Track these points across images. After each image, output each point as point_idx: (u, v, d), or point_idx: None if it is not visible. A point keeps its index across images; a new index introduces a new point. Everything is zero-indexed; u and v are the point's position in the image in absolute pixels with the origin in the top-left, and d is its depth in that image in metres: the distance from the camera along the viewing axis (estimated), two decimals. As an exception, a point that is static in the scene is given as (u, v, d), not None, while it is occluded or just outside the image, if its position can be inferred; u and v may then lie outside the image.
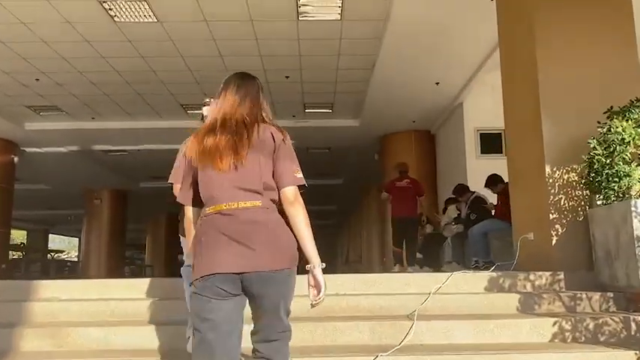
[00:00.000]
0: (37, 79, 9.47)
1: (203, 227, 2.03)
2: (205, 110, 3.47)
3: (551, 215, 4.62)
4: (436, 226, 11.12)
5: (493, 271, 4.74)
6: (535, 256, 4.89)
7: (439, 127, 12.01)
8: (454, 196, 8.70)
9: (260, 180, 2.02)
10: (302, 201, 2.05)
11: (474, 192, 8.09)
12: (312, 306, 2.03)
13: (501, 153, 10.24)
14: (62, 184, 18.11)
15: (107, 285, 4.44)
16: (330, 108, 11.40)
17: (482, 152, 10.17)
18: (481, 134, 10.27)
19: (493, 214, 7.66)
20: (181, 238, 3.30)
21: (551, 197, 4.63)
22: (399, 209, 8.79)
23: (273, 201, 2.05)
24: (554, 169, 4.67)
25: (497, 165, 10.09)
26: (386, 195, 8.95)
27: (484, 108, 10.29)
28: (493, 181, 7.39)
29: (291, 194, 2.03)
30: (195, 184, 2.09)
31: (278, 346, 2.02)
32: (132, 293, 4.34)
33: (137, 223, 23.62)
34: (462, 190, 8.21)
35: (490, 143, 10.24)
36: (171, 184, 3.35)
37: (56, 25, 7.48)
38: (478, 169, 10.01)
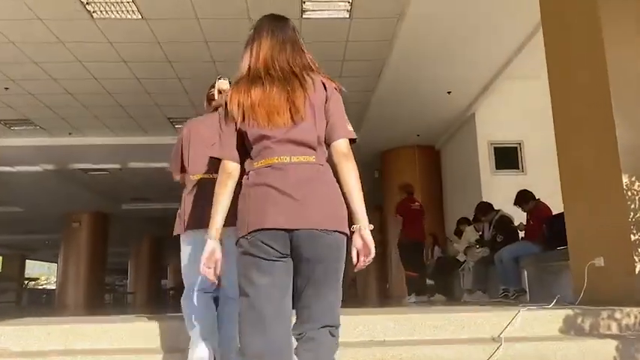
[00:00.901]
0: (7, 88, 8.49)
1: (251, 181, 1.87)
2: (223, 84, 3.07)
3: (632, 236, 3.75)
4: (444, 248, 10.25)
5: (556, 305, 3.84)
6: (607, 285, 4.01)
7: (445, 142, 11.21)
8: (475, 215, 7.84)
9: (315, 134, 1.87)
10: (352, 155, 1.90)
11: (499, 210, 7.22)
12: (357, 270, 1.88)
13: (518, 168, 9.48)
14: (37, 206, 16.92)
15: (75, 332, 3.43)
16: (330, 121, 10.54)
17: (497, 168, 9.37)
18: (495, 148, 9.48)
19: (523, 235, 6.79)
20: (181, 237, 2.83)
21: (632, 214, 3.77)
22: (413, 232, 8.06)
23: (325, 157, 1.92)
24: (633, 180, 3.82)
25: (514, 181, 9.30)
26: (400, 218, 8.16)
27: (498, 119, 9.55)
28: (524, 198, 6.53)
29: (344, 146, 1.89)
30: (234, 138, 1.91)
31: (324, 350, 1.78)
32: (107, 341, 3.35)
33: (119, 247, 22.44)
34: (485, 208, 7.32)
35: (505, 158, 9.46)
36: (171, 172, 3.05)
37: (26, 22, 6.55)
38: (493, 186, 9.22)
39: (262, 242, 1.77)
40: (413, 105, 9.44)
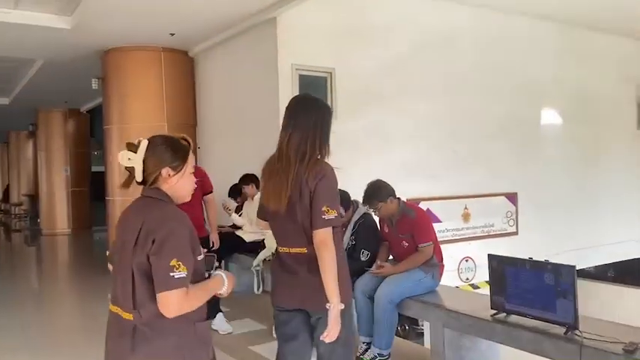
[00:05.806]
0: None
1: (274, 262, 2.40)
2: (124, 159, 1.85)
3: None
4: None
5: None
6: None
7: (211, 50, 7.50)
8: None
9: (304, 228, 2.19)
10: (331, 242, 2.14)
11: (356, 201, 4.26)
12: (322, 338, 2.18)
13: (325, 108, 6.65)
14: None
15: None
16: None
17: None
18: (301, 76, 6.38)
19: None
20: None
21: None
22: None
23: None
24: None
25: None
26: None
27: (306, 35, 6.41)
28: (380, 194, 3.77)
29: (318, 237, 2.15)
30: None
31: None
32: None
33: None
34: (345, 201, 4.17)
35: (311, 92, 6.47)
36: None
37: None
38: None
39: (281, 313, 2.35)
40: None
